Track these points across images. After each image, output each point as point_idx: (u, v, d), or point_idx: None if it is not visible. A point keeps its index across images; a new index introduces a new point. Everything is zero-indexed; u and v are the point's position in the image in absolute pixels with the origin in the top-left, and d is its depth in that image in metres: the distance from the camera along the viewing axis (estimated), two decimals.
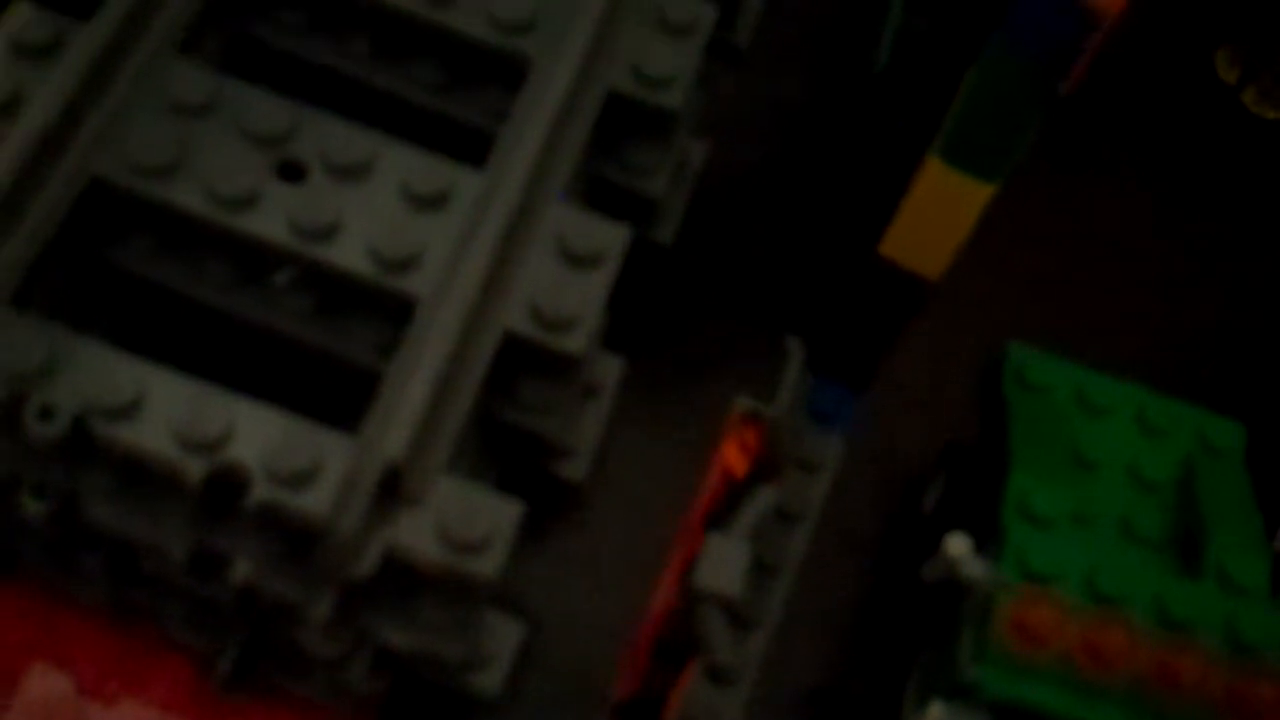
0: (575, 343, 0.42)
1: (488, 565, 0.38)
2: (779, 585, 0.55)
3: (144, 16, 0.44)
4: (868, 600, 0.58)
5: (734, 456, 0.52)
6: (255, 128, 0.43)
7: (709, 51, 0.48)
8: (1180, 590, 0.49)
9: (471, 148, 0.46)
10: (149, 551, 0.40)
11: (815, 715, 0.55)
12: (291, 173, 0.43)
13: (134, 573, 0.42)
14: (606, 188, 0.48)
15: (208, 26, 0.46)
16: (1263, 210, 0.69)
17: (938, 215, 0.51)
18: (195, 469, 0.38)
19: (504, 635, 0.43)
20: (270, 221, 0.41)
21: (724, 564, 0.45)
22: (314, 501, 0.38)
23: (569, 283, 0.42)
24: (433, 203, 0.43)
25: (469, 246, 0.41)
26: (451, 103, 0.48)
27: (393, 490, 0.39)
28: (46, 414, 0.38)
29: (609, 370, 0.47)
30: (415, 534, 0.39)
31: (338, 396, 0.43)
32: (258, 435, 0.38)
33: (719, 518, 0.48)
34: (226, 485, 0.38)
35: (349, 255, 0.41)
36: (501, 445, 0.45)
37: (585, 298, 0.42)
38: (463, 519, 0.39)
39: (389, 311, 0.42)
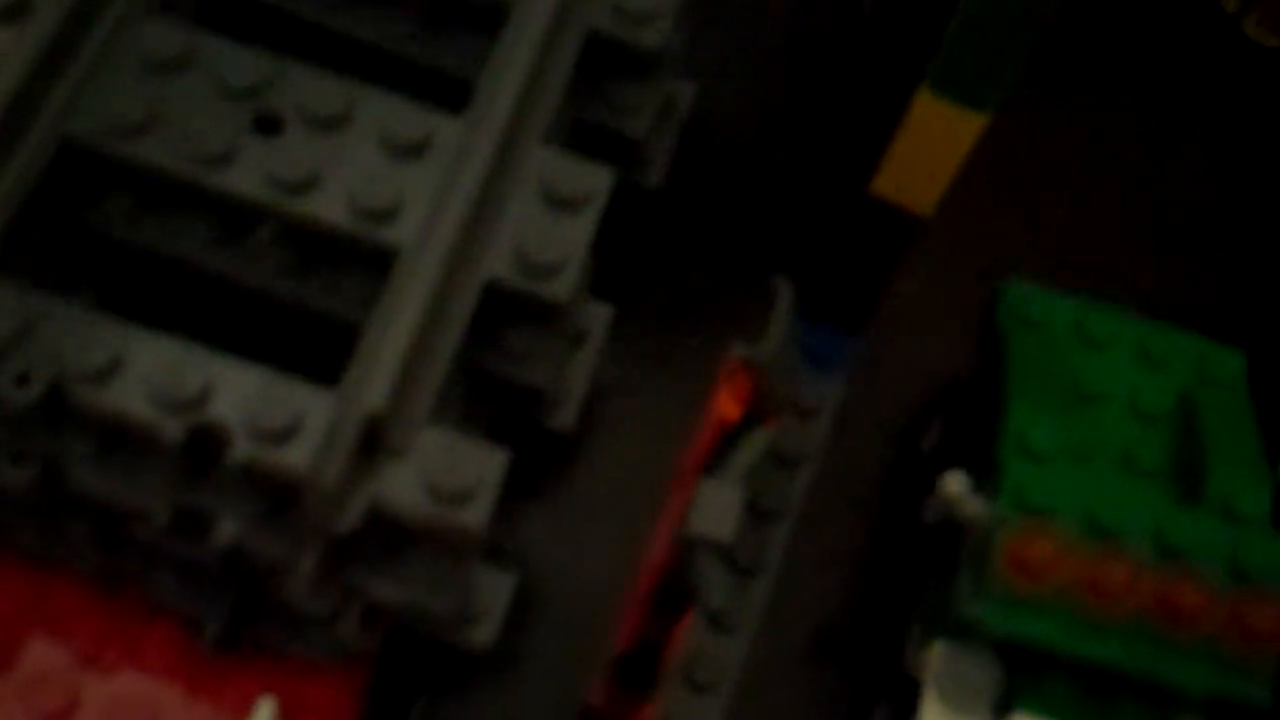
0: (560, 289, 0.41)
1: (473, 515, 0.38)
2: (779, 531, 0.55)
3: None
4: (871, 543, 0.57)
5: (727, 402, 0.51)
6: (230, 81, 0.43)
7: None
8: (1181, 521, 0.48)
9: (452, 95, 0.46)
10: (133, 515, 0.40)
11: (819, 659, 0.55)
12: (268, 126, 0.43)
13: (122, 539, 0.42)
14: (591, 131, 0.48)
15: None
16: (1263, 138, 0.68)
17: (928, 149, 0.50)
18: (174, 429, 0.37)
19: (496, 588, 0.43)
20: (248, 177, 0.41)
21: (717, 509, 0.44)
22: (295, 456, 0.37)
23: (553, 227, 0.41)
24: (412, 151, 0.42)
25: (449, 194, 0.40)
26: (431, 50, 0.47)
27: (374, 442, 0.38)
28: (23, 380, 0.37)
29: (596, 317, 0.46)
30: (399, 486, 0.38)
31: (324, 352, 0.42)
32: (237, 392, 0.38)
33: (714, 465, 0.48)
34: (207, 444, 0.38)
35: (329, 207, 0.40)
36: (489, 396, 0.44)
37: (570, 242, 0.41)
38: (447, 469, 0.38)
39: (371, 263, 0.41)
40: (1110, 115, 0.67)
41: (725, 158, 0.61)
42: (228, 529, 0.39)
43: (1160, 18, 0.71)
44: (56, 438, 0.39)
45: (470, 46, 0.47)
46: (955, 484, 0.48)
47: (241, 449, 0.37)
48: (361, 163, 0.42)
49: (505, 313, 0.42)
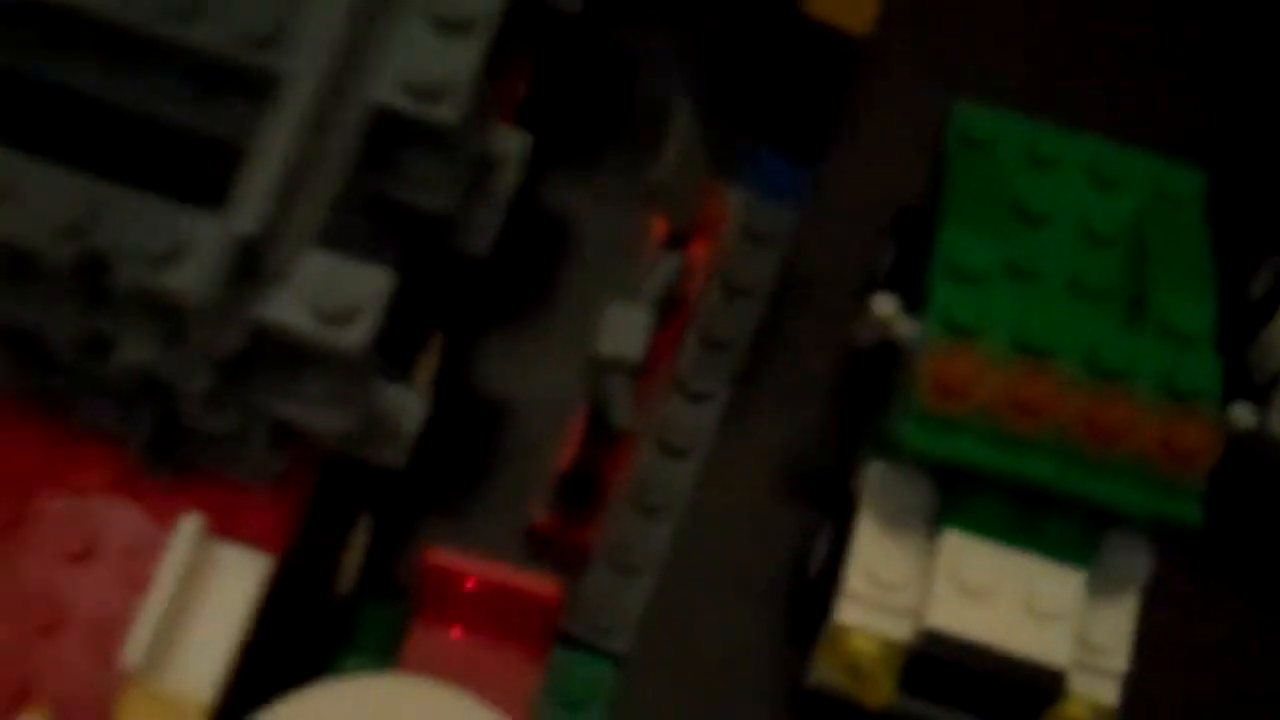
0: (449, 112, 0.41)
1: (353, 335, 0.39)
2: (728, 358, 0.55)
3: None
4: (829, 370, 0.57)
5: (659, 225, 0.52)
6: None
7: None
8: (1117, 340, 0.48)
9: None
10: (38, 338, 0.41)
11: (772, 485, 0.55)
12: None
13: (49, 363, 0.43)
14: None
15: None
16: None
17: None
18: (64, 254, 0.39)
19: (407, 408, 0.44)
20: (135, 4, 0.41)
21: (624, 330, 0.45)
22: (178, 279, 0.38)
23: (441, 50, 0.42)
24: None
25: (326, 17, 0.41)
26: None
27: (255, 265, 0.39)
28: None
29: (511, 143, 0.46)
30: (280, 307, 0.39)
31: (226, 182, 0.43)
32: (124, 218, 0.39)
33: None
34: (96, 269, 0.39)
35: (211, 34, 0.41)
36: (399, 225, 0.45)
37: (458, 65, 0.41)
38: (329, 290, 0.39)
39: (259, 90, 0.42)
40: None
41: None
42: (127, 351, 0.40)
43: None
44: None
45: None
46: (885, 305, 0.48)
47: (128, 273, 0.38)
48: None
49: (402, 139, 0.43)
